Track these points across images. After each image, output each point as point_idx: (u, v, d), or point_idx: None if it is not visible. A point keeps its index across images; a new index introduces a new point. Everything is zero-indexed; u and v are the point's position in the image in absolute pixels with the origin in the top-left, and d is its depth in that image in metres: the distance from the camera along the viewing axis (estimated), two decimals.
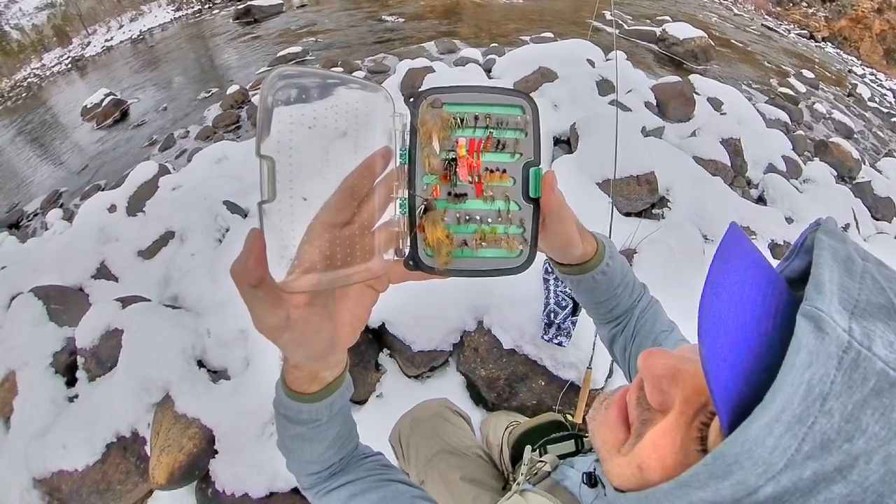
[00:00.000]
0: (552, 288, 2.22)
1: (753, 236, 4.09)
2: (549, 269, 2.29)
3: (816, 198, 5.07)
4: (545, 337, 2.15)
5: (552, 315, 2.16)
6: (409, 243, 0.40)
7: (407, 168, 0.40)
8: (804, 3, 29.90)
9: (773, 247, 4.13)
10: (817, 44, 23.47)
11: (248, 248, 0.37)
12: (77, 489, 2.26)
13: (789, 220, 4.46)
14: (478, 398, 2.38)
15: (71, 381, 2.75)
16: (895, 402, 0.25)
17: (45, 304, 3.07)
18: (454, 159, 0.39)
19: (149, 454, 2.25)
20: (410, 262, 0.40)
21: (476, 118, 0.39)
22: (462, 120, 0.39)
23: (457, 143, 0.39)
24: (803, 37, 23.90)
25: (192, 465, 2.13)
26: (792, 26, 25.96)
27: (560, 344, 2.13)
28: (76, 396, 2.66)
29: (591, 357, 2.07)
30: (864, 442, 0.25)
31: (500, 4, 16.09)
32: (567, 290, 2.22)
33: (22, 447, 2.39)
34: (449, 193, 0.39)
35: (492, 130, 0.39)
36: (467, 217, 0.39)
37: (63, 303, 3.19)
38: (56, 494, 2.30)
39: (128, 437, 2.33)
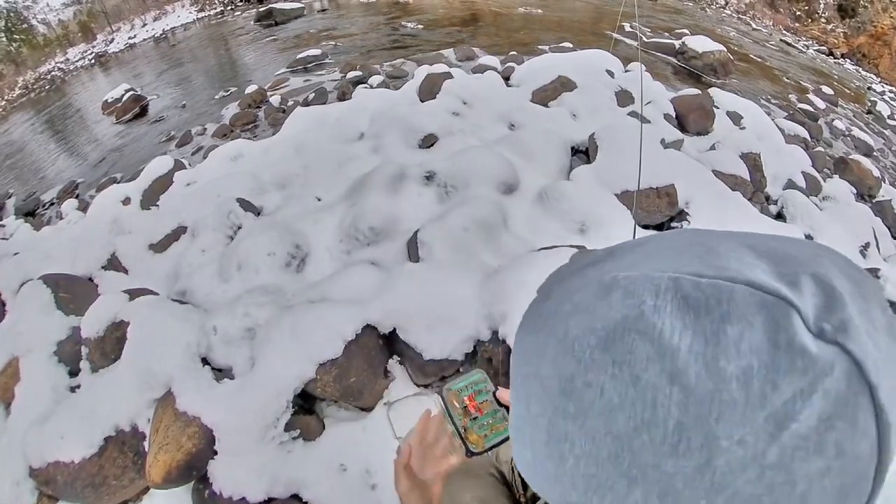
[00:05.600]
0: None
1: None
2: None
3: (836, 216, 4.95)
4: None
5: None
6: (465, 447, 0.67)
7: (450, 419, 0.69)
8: (823, 19, 29.63)
9: None
10: (836, 60, 23.10)
11: (403, 457, 0.72)
12: (72, 481, 2.20)
13: (809, 238, 4.35)
14: None
15: (74, 371, 2.71)
16: None
17: (54, 292, 3.05)
18: (466, 406, 0.70)
19: (147, 450, 2.20)
20: (468, 454, 0.66)
21: (467, 386, 0.72)
22: (461, 389, 0.72)
23: (465, 399, 0.71)
24: (822, 53, 23.54)
25: (190, 466, 2.07)
26: (810, 42, 25.65)
27: None
28: (78, 387, 2.63)
29: None
30: None
31: (520, 14, 16.12)
32: None
33: (20, 435, 2.35)
34: (473, 418, 0.69)
35: (474, 389, 0.72)
36: (481, 424, 0.69)
37: (72, 291, 3.16)
38: (50, 485, 2.25)
39: (127, 432, 2.28)
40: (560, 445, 0.27)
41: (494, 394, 0.71)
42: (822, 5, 30.70)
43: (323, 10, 19.13)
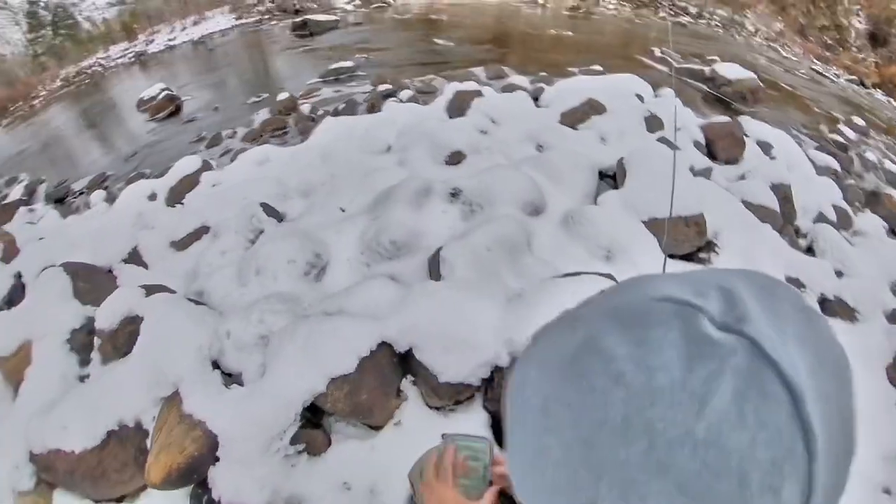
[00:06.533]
0: None
1: (803, 289, 3.83)
2: None
3: (868, 251, 4.77)
4: None
5: None
6: None
7: None
8: (854, 48, 29.28)
9: (823, 301, 3.86)
10: (867, 90, 22.46)
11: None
12: (71, 471, 2.20)
13: (839, 274, 4.19)
14: (501, 440, 2.19)
15: (84, 361, 2.72)
16: None
17: (73, 280, 3.07)
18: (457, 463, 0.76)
19: (149, 448, 2.16)
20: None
21: (468, 447, 0.78)
22: (460, 447, 0.77)
23: (461, 457, 0.77)
24: (853, 82, 23.07)
25: (191, 470, 2.02)
26: (841, 71, 25.25)
27: None
28: (87, 377, 2.64)
29: None
30: None
31: (550, 35, 16.24)
32: None
33: (25, 418, 2.35)
34: (455, 476, 0.77)
35: (472, 452, 0.78)
36: (460, 483, 0.75)
37: (90, 281, 3.18)
38: (50, 473, 2.25)
39: (130, 428, 2.26)
40: (543, 459, 0.31)
41: (486, 467, 0.77)
42: (853, 34, 30.38)
43: (357, 24, 19.50)
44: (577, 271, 2.67)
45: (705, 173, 4.99)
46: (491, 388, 2.23)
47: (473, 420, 2.20)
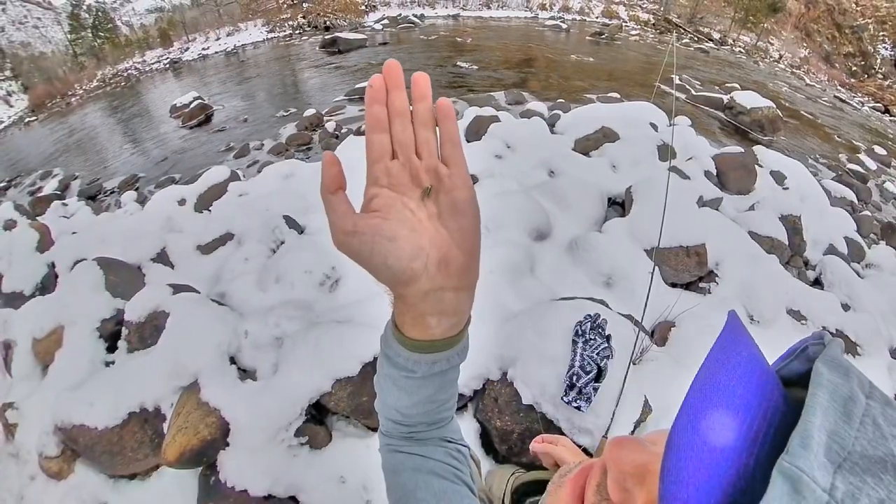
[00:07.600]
0: (579, 351, 2.21)
1: (804, 321, 3.85)
2: (579, 332, 2.29)
3: (878, 285, 4.71)
4: (565, 398, 2.12)
5: (575, 378, 2.13)
6: None
7: None
8: (880, 75, 28.77)
9: None
10: (892, 118, 22.02)
11: (326, 165, 0.45)
12: (92, 445, 2.37)
13: (846, 307, 4.16)
14: (489, 448, 2.34)
15: (111, 348, 2.92)
16: None
17: (105, 274, 3.29)
18: None
19: (166, 432, 2.34)
20: None
21: None
22: None
23: None
24: (877, 110, 22.60)
25: (203, 452, 2.20)
26: (866, 99, 24.80)
27: (578, 408, 2.10)
28: (112, 363, 2.83)
29: (609, 427, 2.01)
30: None
31: (572, 61, 16.49)
32: (594, 355, 2.20)
33: (53, 395, 2.53)
34: None
35: None
36: None
37: (120, 276, 3.40)
38: (71, 444, 2.43)
39: (150, 412, 2.43)
40: None
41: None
42: (878, 60, 29.94)
43: (384, 44, 20.07)
44: (573, 296, 2.81)
45: (714, 203, 5.04)
46: (482, 399, 2.38)
47: (464, 429, 2.35)
